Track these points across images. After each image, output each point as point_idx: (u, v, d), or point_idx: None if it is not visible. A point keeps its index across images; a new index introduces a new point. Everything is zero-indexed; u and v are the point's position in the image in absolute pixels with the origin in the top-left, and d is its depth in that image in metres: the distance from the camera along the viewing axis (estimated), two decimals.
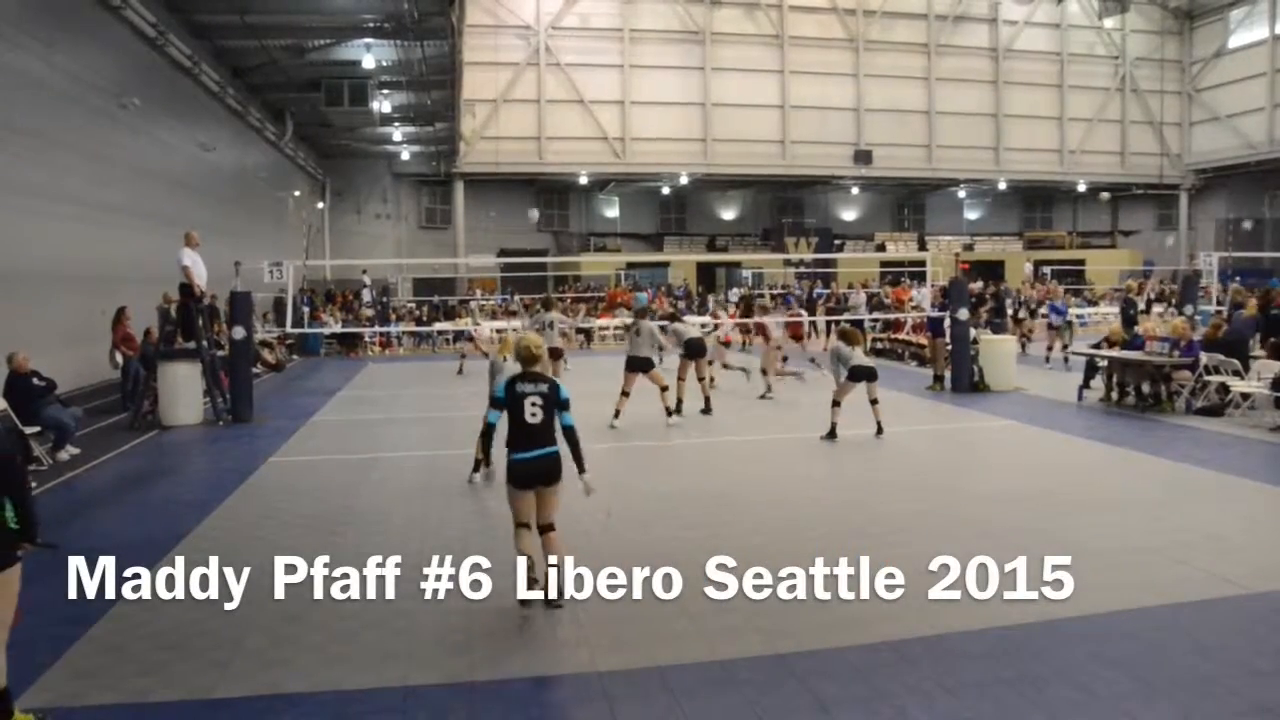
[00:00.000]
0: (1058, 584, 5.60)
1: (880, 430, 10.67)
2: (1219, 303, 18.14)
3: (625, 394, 11.81)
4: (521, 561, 5.22)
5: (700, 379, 12.71)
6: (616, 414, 11.70)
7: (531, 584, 5.21)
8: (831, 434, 10.63)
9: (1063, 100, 38.62)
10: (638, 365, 11.94)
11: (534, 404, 5.37)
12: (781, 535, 6.77)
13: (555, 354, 13.10)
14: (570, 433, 5.45)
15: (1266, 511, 7.32)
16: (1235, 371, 11.88)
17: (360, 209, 37.64)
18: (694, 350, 12.74)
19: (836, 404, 10.74)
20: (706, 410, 12.52)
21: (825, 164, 36.46)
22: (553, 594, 5.29)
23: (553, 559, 5.34)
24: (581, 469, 5.45)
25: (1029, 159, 38.55)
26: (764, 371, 14.52)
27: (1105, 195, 40.71)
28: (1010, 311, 22.30)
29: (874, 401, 10.79)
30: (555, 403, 5.41)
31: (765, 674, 4.41)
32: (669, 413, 11.99)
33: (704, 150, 35.39)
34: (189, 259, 12.92)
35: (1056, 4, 38.07)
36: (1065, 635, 4.81)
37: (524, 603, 5.25)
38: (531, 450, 5.37)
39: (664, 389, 12.01)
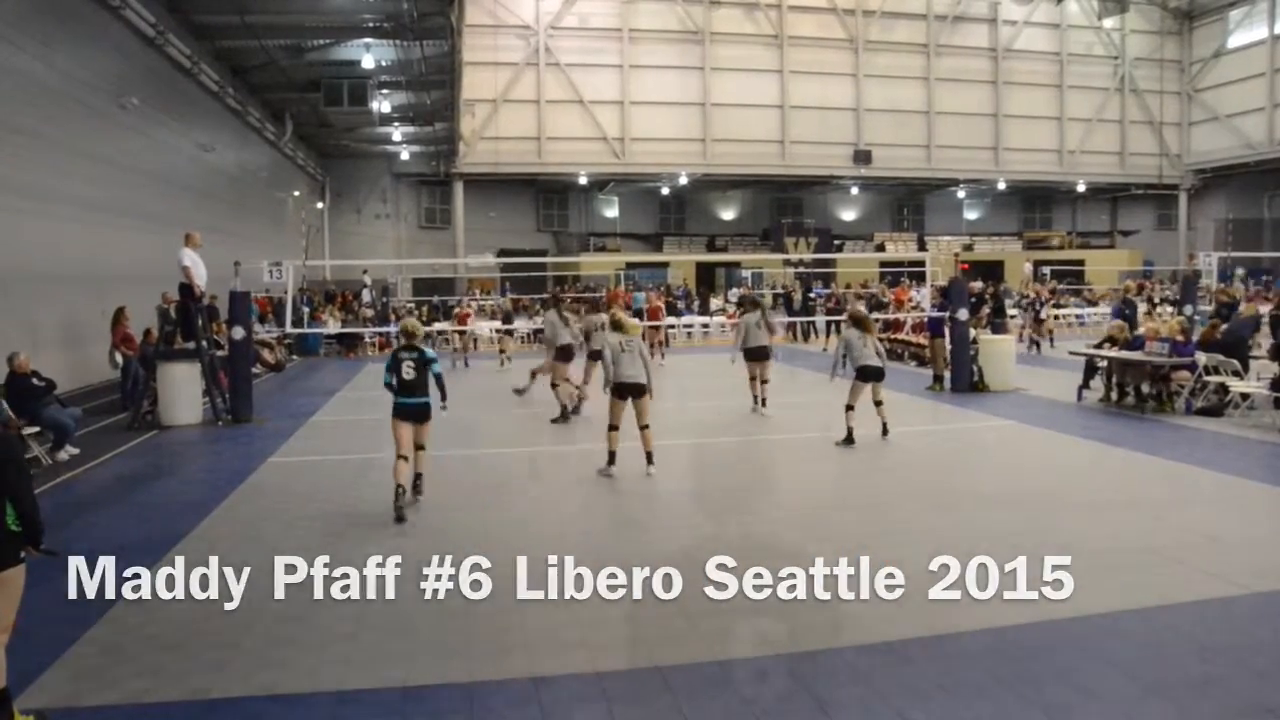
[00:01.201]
0: (1057, 584, 5.60)
1: (885, 431, 10.50)
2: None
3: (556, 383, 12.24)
4: (398, 482, 7.41)
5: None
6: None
7: (400, 502, 7.37)
8: (849, 439, 10.19)
9: (1062, 100, 38.63)
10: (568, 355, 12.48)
11: (409, 365, 7.64)
12: (781, 535, 6.76)
13: (566, 354, 12.60)
14: (439, 379, 7.77)
15: (1266, 512, 7.32)
16: (1235, 372, 11.88)
17: (360, 209, 37.65)
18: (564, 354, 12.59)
19: (850, 408, 10.29)
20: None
21: (825, 164, 36.47)
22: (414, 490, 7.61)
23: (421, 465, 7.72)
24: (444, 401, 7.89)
25: (1028, 159, 38.56)
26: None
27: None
28: (1034, 311, 22.89)
29: (879, 403, 10.51)
30: (424, 363, 7.67)
31: (765, 674, 4.41)
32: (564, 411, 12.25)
33: (703, 150, 35.39)
34: (189, 259, 12.91)
35: (1056, 4, 38.08)
36: (1065, 635, 4.80)
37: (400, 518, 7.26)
38: (411, 398, 7.66)
39: (556, 384, 12.39)
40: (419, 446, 7.69)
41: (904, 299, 26.27)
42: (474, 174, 34.20)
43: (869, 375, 10.34)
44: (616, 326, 9.19)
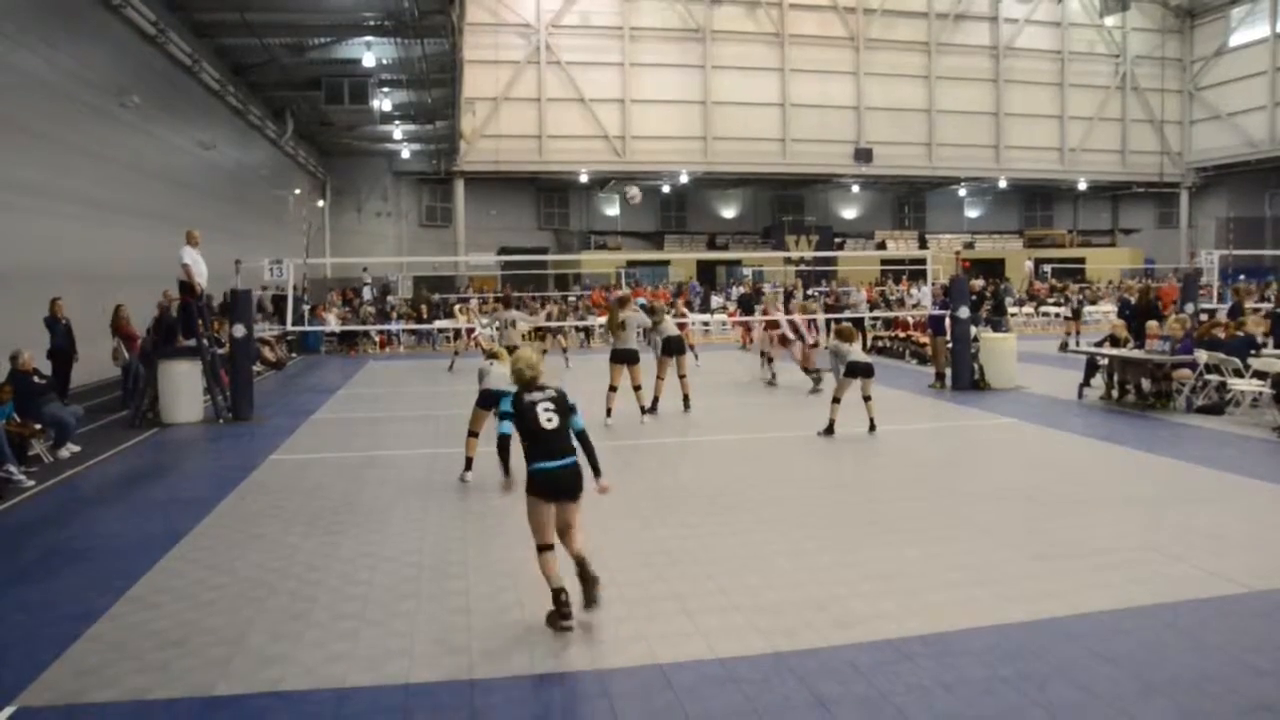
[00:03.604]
0: (1057, 582, 5.62)
1: (873, 427, 10.74)
2: (1221, 299, 18.17)
3: (613, 388, 11.94)
4: (553, 589, 4.98)
5: (681, 376, 12.76)
6: (609, 412, 11.81)
7: (564, 615, 4.95)
8: (829, 430, 10.70)
9: (1063, 98, 38.62)
10: (625, 358, 12.08)
11: (547, 410, 5.16)
12: (781, 534, 6.77)
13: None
14: (584, 438, 5.27)
15: (1266, 511, 7.32)
16: (1235, 371, 11.88)
17: (361, 207, 37.66)
18: (673, 348, 12.76)
19: (836, 400, 10.83)
20: (686, 408, 12.60)
21: (825, 162, 36.46)
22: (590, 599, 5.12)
23: (578, 545, 5.16)
24: (598, 474, 5.28)
25: (1029, 157, 38.56)
26: (805, 369, 14.97)
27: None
28: (1072, 308, 23.88)
29: (867, 398, 10.85)
30: (566, 409, 5.21)
31: (765, 673, 4.41)
32: (643, 411, 12.12)
33: (704, 148, 35.38)
34: (190, 257, 12.92)
35: (1057, 2, 38.06)
36: (1065, 634, 4.81)
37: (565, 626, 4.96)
38: (553, 460, 5.08)
39: (637, 388, 12.11)
40: (567, 526, 5.15)
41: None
42: (475, 172, 34.20)
43: (857, 371, 10.76)
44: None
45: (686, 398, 12.73)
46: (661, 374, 12.63)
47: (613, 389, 11.89)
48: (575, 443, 5.21)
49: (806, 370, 14.88)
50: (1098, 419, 11.91)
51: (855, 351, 10.91)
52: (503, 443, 5.28)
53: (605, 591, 5.30)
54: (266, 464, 9.82)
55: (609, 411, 11.79)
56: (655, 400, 12.46)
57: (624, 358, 12.10)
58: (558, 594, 4.97)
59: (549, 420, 5.12)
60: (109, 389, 14.75)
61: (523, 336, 16.65)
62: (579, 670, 4.51)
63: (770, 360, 15.99)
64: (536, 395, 5.21)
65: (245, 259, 13.87)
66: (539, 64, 33.89)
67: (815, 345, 15.26)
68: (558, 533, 5.10)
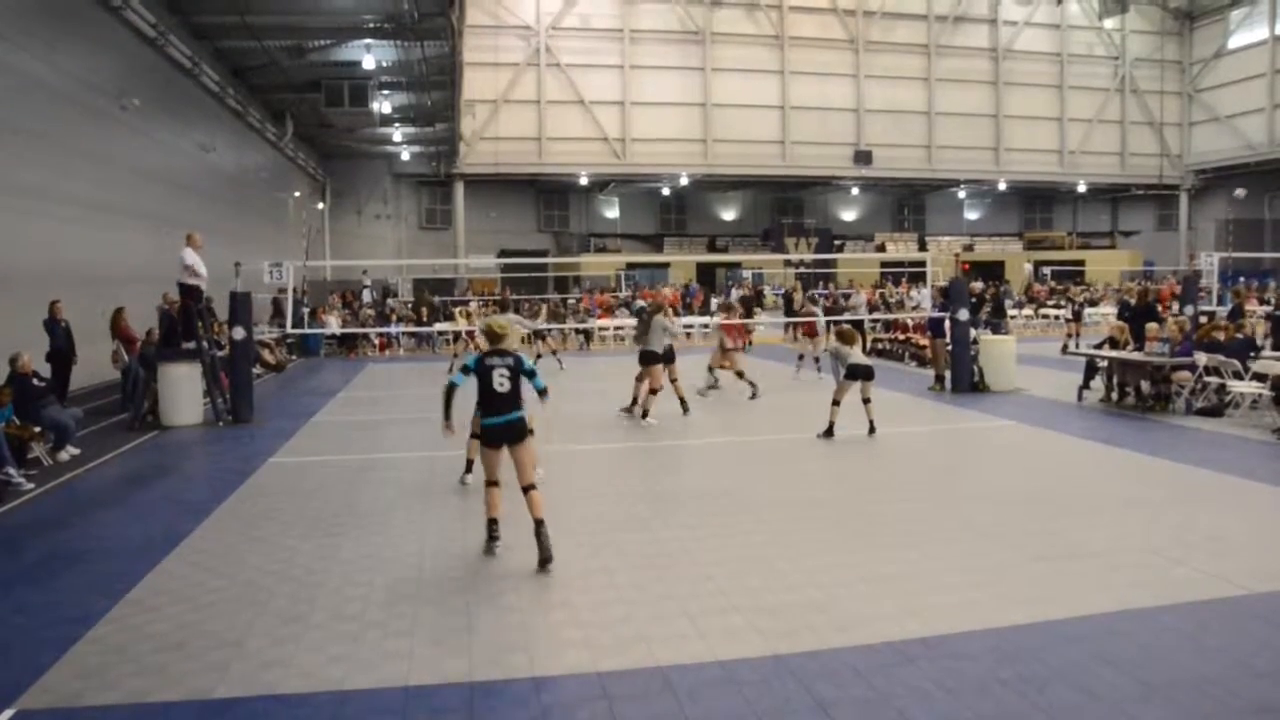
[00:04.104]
0: (1057, 585, 5.62)
1: (872, 429, 10.74)
2: (1220, 302, 18.18)
3: (655, 390, 12.13)
4: (490, 518, 6.33)
5: (673, 380, 12.78)
6: (645, 413, 12.05)
7: (493, 538, 6.31)
8: (829, 432, 10.70)
9: (1063, 101, 38.66)
10: (656, 358, 12.19)
11: (501, 375, 6.20)
12: (781, 536, 6.77)
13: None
14: (544, 394, 6.47)
15: (1266, 512, 7.32)
16: (1235, 372, 11.88)
17: (360, 209, 37.70)
18: (667, 354, 12.77)
19: (836, 403, 10.81)
20: (685, 411, 12.62)
21: (825, 164, 36.50)
22: (544, 554, 5.96)
23: (539, 516, 6.04)
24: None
25: (1029, 159, 38.59)
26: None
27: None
28: (1074, 310, 23.82)
29: (866, 401, 10.85)
30: (521, 372, 6.28)
31: (765, 675, 4.41)
32: (644, 414, 12.13)
33: (704, 151, 35.41)
34: (191, 259, 12.92)
35: (1056, 5, 38.10)
36: (1065, 635, 4.81)
37: (489, 550, 6.29)
38: (499, 417, 6.16)
39: (655, 390, 12.15)
40: (529, 487, 6.12)
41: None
42: (474, 174, 34.22)
43: (857, 374, 10.76)
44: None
45: (683, 400, 12.73)
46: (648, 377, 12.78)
47: (654, 391, 12.16)
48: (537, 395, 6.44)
49: (717, 374, 14.96)
50: (1097, 421, 11.91)
51: (856, 354, 10.90)
52: (449, 391, 6.39)
53: (606, 593, 5.32)
54: (266, 466, 9.81)
55: (645, 413, 12.09)
56: (634, 402, 12.53)
57: (655, 359, 12.25)
58: (492, 523, 6.33)
59: (501, 385, 6.17)
60: (109, 391, 14.74)
61: (521, 340, 16.63)
62: (579, 672, 4.50)
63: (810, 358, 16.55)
64: (496, 360, 6.23)
65: (245, 261, 13.88)
66: (539, 66, 33.92)
67: (738, 349, 15.46)
68: (516, 468, 6.17)
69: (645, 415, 12.04)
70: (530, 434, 6.43)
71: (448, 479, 8.89)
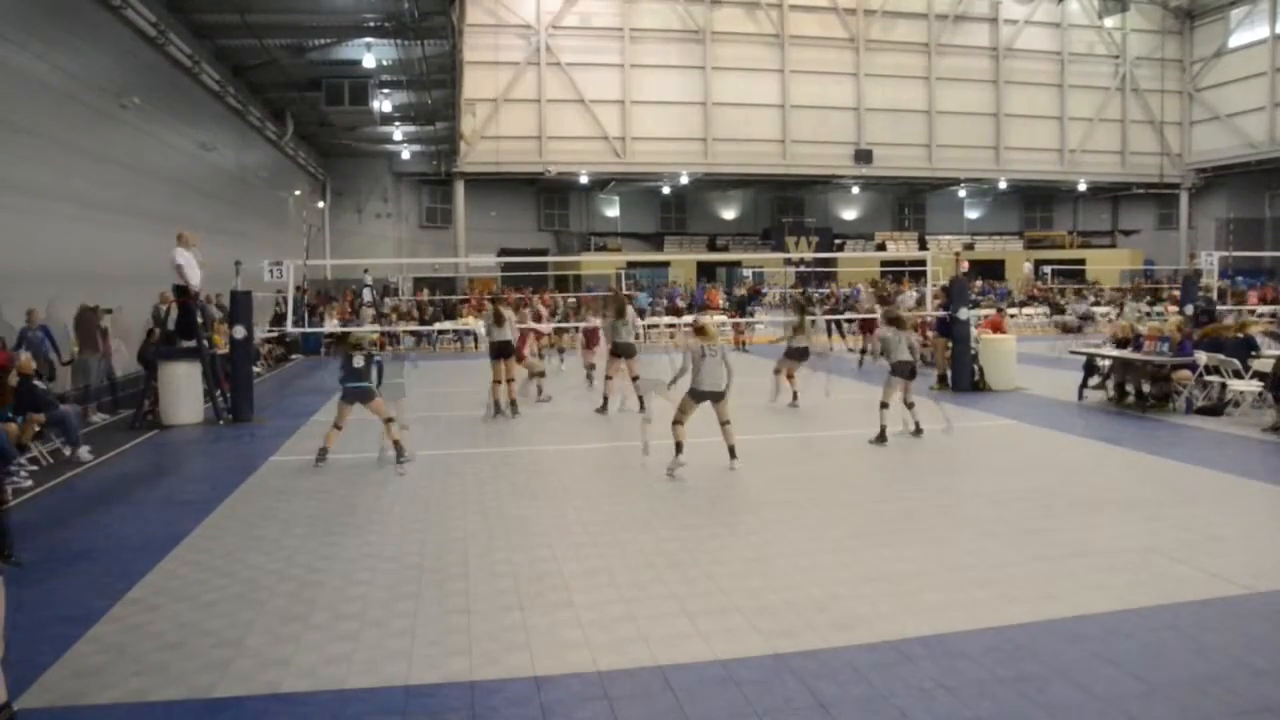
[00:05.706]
0: (1057, 584, 5.61)
1: (919, 430, 10.55)
2: (1221, 299, 18.11)
3: (609, 377, 12.91)
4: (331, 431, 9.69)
5: (634, 378, 12.86)
6: (605, 400, 12.84)
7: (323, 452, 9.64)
8: (881, 437, 10.25)
9: (1063, 100, 38.60)
10: (624, 351, 12.96)
11: (358, 360, 9.69)
12: (781, 535, 6.77)
13: (512, 352, 13.27)
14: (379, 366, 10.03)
15: (1266, 511, 7.32)
16: (1235, 372, 11.88)
17: (361, 208, 37.69)
18: (625, 350, 13.11)
19: (885, 405, 10.35)
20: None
21: (825, 163, 36.45)
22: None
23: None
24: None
25: (1029, 158, 38.54)
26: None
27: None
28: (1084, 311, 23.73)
29: (910, 405, 10.55)
30: (370, 360, 9.77)
31: (765, 675, 4.41)
32: (604, 401, 12.96)
33: (704, 150, 35.37)
34: (182, 258, 12.91)
35: (1057, 3, 38.05)
36: (1066, 635, 4.81)
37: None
38: (353, 383, 9.62)
39: (635, 378, 12.63)
40: (376, 412, 9.84)
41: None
42: (475, 173, 34.18)
43: (904, 371, 10.41)
44: (700, 332, 9.10)
45: (641, 399, 12.77)
46: (612, 373, 13.21)
47: (609, 377, 13.02)
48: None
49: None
50: (1098, 420, 11.91)
51: (903, 349, 10.34)
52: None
53: (606, 593, 5.33)
54: (266, 465, 9.82)
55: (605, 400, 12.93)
56: (606, 401, 13.05)
57: (623, 351, 13.01)
58: (328, 437, 9.80)
59: (358, 364, 9.65)
60: (108, 391, 14.72)
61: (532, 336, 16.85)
62: (579, 671, 4.50)
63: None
64: (356, 352, 9.75)
65: (245, 260, 13.87)
66: (539, 65, 33.88)
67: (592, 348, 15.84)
68: (375, 414, 9.77)
69: (605, 402, 12.89)
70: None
71: (448, 477, 8.89)
